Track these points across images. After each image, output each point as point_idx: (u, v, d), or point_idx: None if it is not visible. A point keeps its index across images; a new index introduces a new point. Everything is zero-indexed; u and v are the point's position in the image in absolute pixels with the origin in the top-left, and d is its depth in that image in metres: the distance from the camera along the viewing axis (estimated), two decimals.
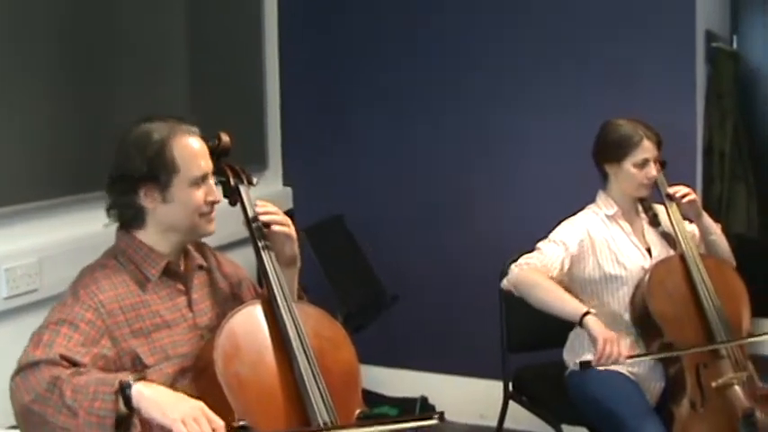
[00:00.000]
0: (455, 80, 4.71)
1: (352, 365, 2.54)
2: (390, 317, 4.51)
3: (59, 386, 2.08)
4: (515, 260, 3.31)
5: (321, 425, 2.28)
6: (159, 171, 2.36)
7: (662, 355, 3.20)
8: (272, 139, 4.92)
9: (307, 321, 2.46)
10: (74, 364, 2.15)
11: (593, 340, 3.01)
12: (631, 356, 3.07)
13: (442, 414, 2.20)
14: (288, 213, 4.56)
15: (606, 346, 2.96)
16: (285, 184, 5.03)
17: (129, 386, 2.06)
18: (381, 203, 4.87)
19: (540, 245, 3.31)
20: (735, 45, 5.75)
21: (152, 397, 2.07)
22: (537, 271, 3.21)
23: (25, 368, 2.14)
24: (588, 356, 3.28)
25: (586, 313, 3.05)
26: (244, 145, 4.44)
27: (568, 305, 3.13)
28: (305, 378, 2.34)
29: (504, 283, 3.31)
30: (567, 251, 3.28)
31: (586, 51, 4.45)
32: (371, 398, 4.68)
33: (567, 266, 3.28)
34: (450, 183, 4.75)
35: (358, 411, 2.47)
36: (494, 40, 4.63)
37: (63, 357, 2.14)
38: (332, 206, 4.68)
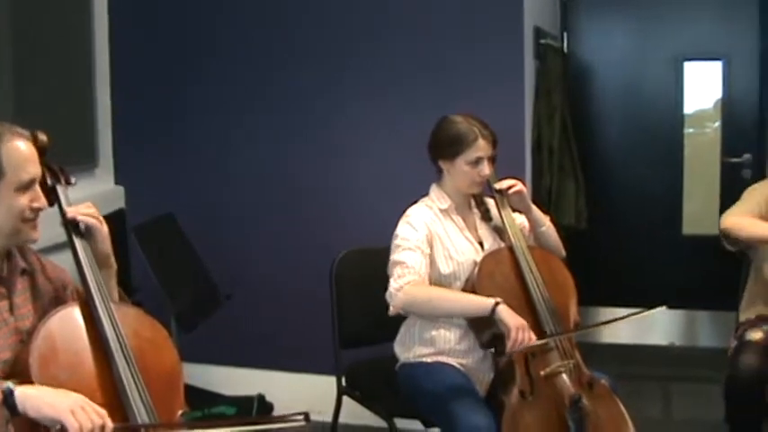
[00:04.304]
0: (285, 80, 4.70)
1: (174, 366, 2.51)
2: (225, 315, 4.47)
3: None
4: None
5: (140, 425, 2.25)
6: None
7: (572, 334, 3.28)
8: (102, 137, 4.81)
9: (126, 321, 2.42)
10: None
11: (506, 328, 3.04)
12: (540, 339, 3.12)
13: (307, 415, 2.25)
14: (119, 212, 4.52)
15: (519, 333, 3.02)
16: (117, 182, 4.92)
17: (12, 392, 2.09)
18: (214, 202, 4.83)
19: (398, 257, 3.25)
20: (566, 42, 5.91)
21: (37, 395, 2.11)
22: (421, 285, 3.21)
23: None
24: (422, 349, 3.36)
25: (496, 304, 3.08)
26: (73, 143, 4.37)
27: (473, 303, 3.16)
28: (123, 379, 2.30)
29: (392, 311, 3.27)
30: (423, 254, 3.27)
31: (416, 47, 4.50)
32: (208, 397, 4.63)
33: (427, 268, 3.28)
34: (280, 181, 4.75)
35: (180, 412, 2.44)
36: (325, 38, 4.64)
37: None
38: (165, 205, 4.59)
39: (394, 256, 3.27)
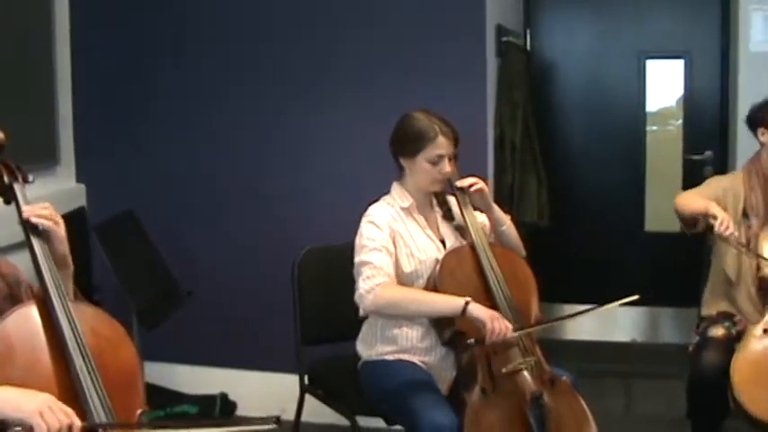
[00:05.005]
0: (248, 77, 4.69)
1: (132, 364, 2.47)
2: (187, 313, 4.44)
3: None
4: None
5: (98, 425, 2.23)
6: None
7: (545, 325, 3.38)
8: (63, 135, 4.77)
9: (83, 320, 2.38)
10: None
11: (481, 322, 3.05)
12: (516, 330, 3.12)
13: (278, 418, 2.22)
14: (80, 211, 4.48)
15: (495, 323, 3.04)
16: (78, 180, 4.88)
17: None
18: (175, 200, 4.81)
19: (365, 258, 3.22)
20: (528, 40, 5.93)
21: (4, 398, 2.10)
22: (391, 286, 3.19)
23: None
24: (384, 347, 3.35)
25: (467, 303, 3.08)
26: (34, 141, 4.33)
27: (443, 304, 3.16)
28: (81, 378, 2.26)
29: (362, 313, 3.29)
30: (389, 253, 3.25)
31: (378, 44, 4.49)
32: (171, 396, 4.61)
33: (394, 268, 3.27)
34: (242, 178, 4.74)
35: (139, 411, 2.41)
36: (285, 37, 4.62)
37: None
38: (127, 203, 4.56)
39: (361, 257, 3.25)
